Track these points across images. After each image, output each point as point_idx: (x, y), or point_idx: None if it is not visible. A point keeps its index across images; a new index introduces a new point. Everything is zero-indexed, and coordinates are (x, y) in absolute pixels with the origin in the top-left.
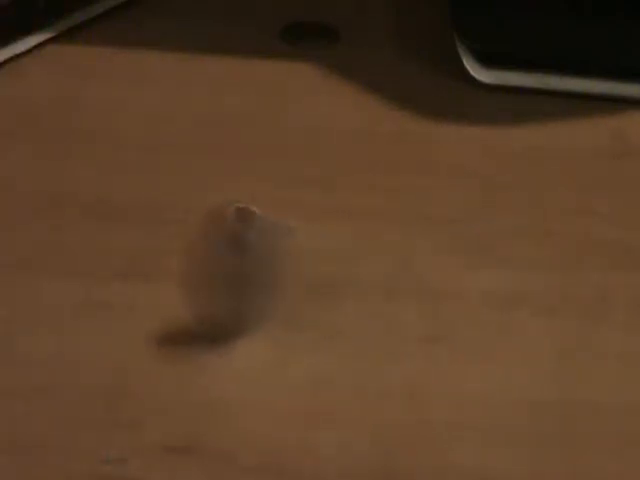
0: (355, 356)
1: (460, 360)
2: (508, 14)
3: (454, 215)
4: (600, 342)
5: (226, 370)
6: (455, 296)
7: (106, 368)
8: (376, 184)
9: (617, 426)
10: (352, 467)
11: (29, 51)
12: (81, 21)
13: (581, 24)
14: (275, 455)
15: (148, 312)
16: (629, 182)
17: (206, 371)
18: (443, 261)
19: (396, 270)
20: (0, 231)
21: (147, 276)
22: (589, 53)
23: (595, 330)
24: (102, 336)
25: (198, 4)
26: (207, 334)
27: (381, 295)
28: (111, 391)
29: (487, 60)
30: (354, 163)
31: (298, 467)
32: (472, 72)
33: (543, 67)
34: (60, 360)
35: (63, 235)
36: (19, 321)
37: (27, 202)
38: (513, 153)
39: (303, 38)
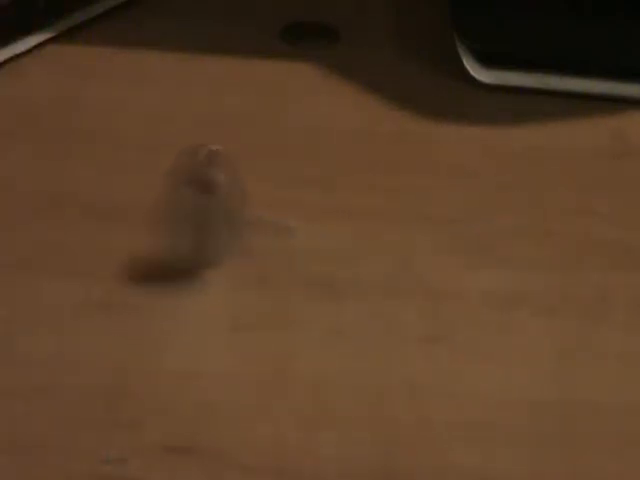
0: (355, 356)
1: (460, 360)
2: (508, 14)
3: (454, 215)
4: (600, 342)
5: (226, 370)
6: (455, 296)
7: (106, 368)
8: (376, 184)
9: (617, 426)
10: (352, 467)
11: (29, 51)
12: (81, 21)
13: (581, 24)
14: (275, 455)
15: (148, 312)
16: (629, 182)
17: (206, 371)
18: (443, 261)
19: (396, 270)
20: (0, 231)
21: (147, 276)
22: (589, 53)
23: (595, 330)
24: (102, 336)
25: (198, 4)
26: (176, 267)
27: (381, 295)
28: (111, 391)
29: (487, 60)
30: (354, 163)
31: (298, 467)
32: (472, 72)
33: (543, 67)
34: (60, 360)
35: (63, 235)
36: (19, 321)
37: (27, 202)
38: (513, 153)
39: (303, 38)
